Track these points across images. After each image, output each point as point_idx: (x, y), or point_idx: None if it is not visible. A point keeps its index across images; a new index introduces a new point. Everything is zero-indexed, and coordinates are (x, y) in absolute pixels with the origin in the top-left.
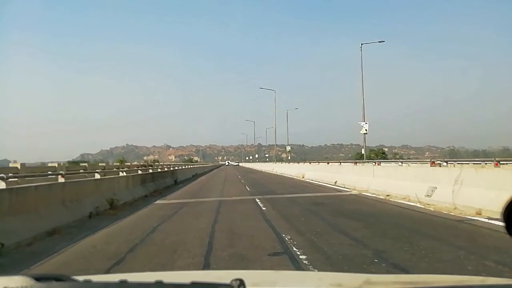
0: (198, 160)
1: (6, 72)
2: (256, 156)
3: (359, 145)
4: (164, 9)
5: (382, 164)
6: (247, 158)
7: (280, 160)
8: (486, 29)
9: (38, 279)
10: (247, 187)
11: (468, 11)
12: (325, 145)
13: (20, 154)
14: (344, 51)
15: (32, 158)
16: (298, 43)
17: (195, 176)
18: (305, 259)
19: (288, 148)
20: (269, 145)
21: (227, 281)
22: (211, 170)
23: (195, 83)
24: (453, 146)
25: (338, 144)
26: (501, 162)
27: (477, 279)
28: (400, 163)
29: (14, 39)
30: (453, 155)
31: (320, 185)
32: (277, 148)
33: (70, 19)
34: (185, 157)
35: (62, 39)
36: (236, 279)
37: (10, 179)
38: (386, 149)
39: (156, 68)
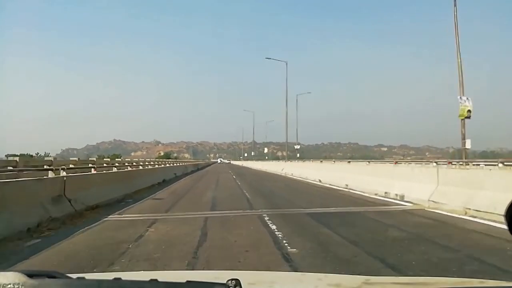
0: (188, 157)
1: None
2: (252, 153)
3: (357, 143)
4: (156, 7)
5: None
6: (246, 155)
7: (276, 158)
8: (489, 26)
9: (31, 275)
10: None
11: (471, 7)
12: (322, 143)
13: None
14: (341, 50)
15: (13, 152)
16: (292, 42)
17: None
18: None
19: (297, 146)
20: (263, 142)
21: (223, 281)
22: (170, 181)
23: (189, 79)
24: (452, 147)
25: (336, 143)
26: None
27: (477, 281)
28: None
29: None
30: (459, 157)
31: None
32: (272, 146)
33: (54, 15)
34: (172, 153)
35: (49, 34)
36: (232, 279)
37: None
38: (385, 149)
39: (149, 64)
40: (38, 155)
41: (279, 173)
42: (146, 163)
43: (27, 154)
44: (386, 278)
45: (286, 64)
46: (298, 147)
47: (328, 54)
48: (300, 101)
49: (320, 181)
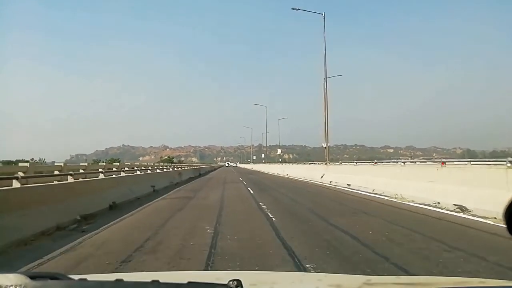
0: (195, 160)
1: None
2: (262, 156)
3: (363, 145)
4: (164, 10)
5: None
6: (254, 157)
7: (283, 161)
8: (490, 26)
9: (33, 277)
10: None
11: (472, 8)
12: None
13: (10, 154)
14: (342, 53)
15: (23, 158)
16: (300, 43)
17: None
18: None
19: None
20: (270, 145)
21: (225, 282)
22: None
23: (195, 82)
24: (459, 147)
25: (342, 145)
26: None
27: (477, 280)
28: None
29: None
30: (469, 156)
31: None
32: (279, 149)
33: (63, 20)
34: (180, 157)
35: (56, 39)
36: (233, 280)
37: None
38: (391, 150)
39: (156, 68)
40: (33, 161)
41: (320, 183)
42: (119, 169)
43: (22, 159)
44: (387, 278)
45: (324, 16)
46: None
47: (333, 55)
48: (304, 104)
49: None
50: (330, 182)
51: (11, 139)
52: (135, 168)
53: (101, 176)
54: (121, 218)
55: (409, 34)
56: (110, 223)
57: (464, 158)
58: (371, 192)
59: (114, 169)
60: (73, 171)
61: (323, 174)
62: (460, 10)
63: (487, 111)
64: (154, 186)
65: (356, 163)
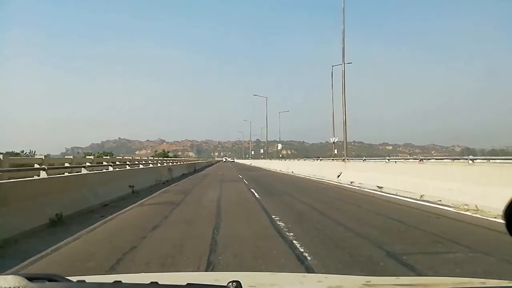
0: (193, 155)
1: None
2: (261, 151)
3: (362, 142)
4: (164, 7)
5: None
6: (253, 152)
7: (282, 157)
8: (490, 26)
9: (31, 279)
10: None
11: (473, 9)
12: (327, 142)
13: (6, 147)
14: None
15: (13, 150)
16: (300, 40)
17: None
18: None
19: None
20: (268, 141)
21: (224, 283)
22: None
23: (194, 77)
24: (458, 145)
25: (340, 142)
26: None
27: (478, 281)
28: None
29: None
30: (468, 154)
31: None
32: (276, 144)
33: (64, 17)
34: (177, 152)
35: (55, 36)
36: (232, 281)
37: None
38: (390, 147)
39: (154, 64)
40: (24, 153)
41: (338, 183)
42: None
43: (12, 151)
44: (387, 278)
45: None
46: (336, 139)
47: (333, 49)
48: (303, 100)
49: None
50: (351, 182)
51: (10, 132)
52: (111, 163)
53: (43, 174)
54: (57, 246)
55: (410, 34)
56: (30, 259)
57: (464, 156)
58: (419, 199)
59: (88, 164)
60: (24, 166)
61: (340, 173)
62: (459, 11)
63: (486, 110)
64: (133, 186)
65: (388, 159)
